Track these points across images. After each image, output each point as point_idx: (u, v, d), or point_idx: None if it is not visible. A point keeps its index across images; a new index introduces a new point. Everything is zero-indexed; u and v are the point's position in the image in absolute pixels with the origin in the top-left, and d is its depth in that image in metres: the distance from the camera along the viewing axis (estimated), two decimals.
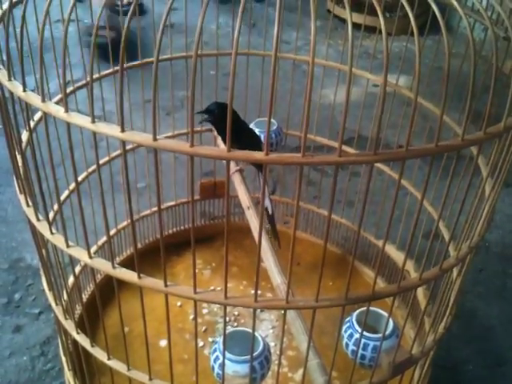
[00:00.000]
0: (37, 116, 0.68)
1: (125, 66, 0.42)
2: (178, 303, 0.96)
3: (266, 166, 0.42)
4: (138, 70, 0.89)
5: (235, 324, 0.93)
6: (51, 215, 0.72)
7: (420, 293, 0.89)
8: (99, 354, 0.61)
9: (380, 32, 0.93)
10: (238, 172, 0.90)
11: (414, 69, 0.41)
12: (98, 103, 0.79)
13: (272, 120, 0.97)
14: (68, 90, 0.73)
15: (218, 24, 0.96)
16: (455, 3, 0.45)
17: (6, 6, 0.53)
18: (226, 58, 0.98)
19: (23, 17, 0.47)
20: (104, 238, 0.96)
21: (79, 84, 0.76)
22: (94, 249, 0.93)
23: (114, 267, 0.50)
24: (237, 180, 0.89)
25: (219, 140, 0.93)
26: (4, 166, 1.34)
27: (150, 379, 0.57)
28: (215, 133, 0.95)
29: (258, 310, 0.95)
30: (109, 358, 0.60)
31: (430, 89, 0.84)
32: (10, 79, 0.48)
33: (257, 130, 0.94)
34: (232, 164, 0.91)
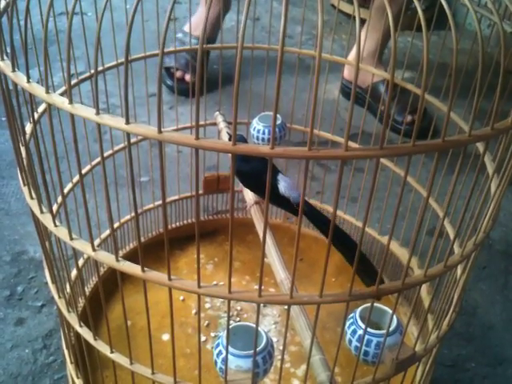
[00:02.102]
0: (40, 108, 0.68)
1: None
2: (181, 297, 0.96)
3: (271, 159, 0.42)
4: (142, 63, 0.88)
5: (238, 319, 0.93)
6: (54, 208, 0.72)
7: (423, 289, 0.89)
8: (102, 347, 0.60)
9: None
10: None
11: (422, 64, 0.40)
12: (102, 96, 0.78)
13: (277, 115, 0.97)
14: (72, 83, 0.73)
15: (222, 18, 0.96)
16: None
17: None
18: (228, 51, 0.98)
19: (27, 8, 0.46)
20: (107, 232, 0.96)
21: (83, 76, 0.76)
22: (96, 242, 0.93)
23: (117, 260, 0.50)
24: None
25: (223, 134, 0.93)
26: (7, 158, 1.34)
27: (153, 373, 0.57)
28: (219, 126, 0.95)
29: (261, 305, 0.95)
30: (112, 352, 0.60)
31: (434, 84, 0.83)
32: (14, 70, 0.48)
33: (261, 125, 0.94)
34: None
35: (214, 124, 0.97)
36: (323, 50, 1.00)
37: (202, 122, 0.96)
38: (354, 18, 0.89)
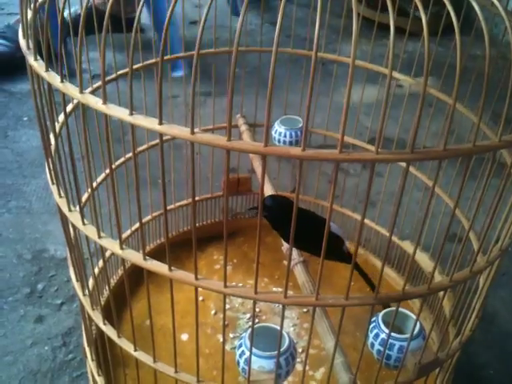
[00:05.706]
0: (68, 108, 0.69)
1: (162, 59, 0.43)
2: (200, 297, 0.97)
3: (301, 162, 0.42)
4: (165, 64, 0.89)
5: (256, 320, 0.93)
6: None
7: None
8: (125, 345, 0.61)
9: (409, 33, 0.91)
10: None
11: (455, 71, 0.41)
12: (124, 97, 0.79)
13: (298, 118, 0.97)
14: (96, 84, 0.73)
15: (243, 22, 0.96)
16: (496, 3, 0.44)
17: None
18: (250, 55, 0.98)
19: (63, 8, 0.47)
20: (128, 232, 0.97)
21: (110, 77, 0.77)
22: None
23: (144, 259, 0.51)
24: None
25: (245, 135, 0.94)
26: (29, 157, 1.36)
27: (176, 372, 0.57)
28: (241, 129, 0.96)
29: (280, 307, 0.95)
30: (135, 350, 0.60)
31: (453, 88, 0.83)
32: (47, 70, 0.49)
33: (283, 128, 0.94)
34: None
35: (236, 126, 0.97)
36: (343, 54, 0.99)
37: (223, 124, 0.97)
38: (374, 22, 0.90)
